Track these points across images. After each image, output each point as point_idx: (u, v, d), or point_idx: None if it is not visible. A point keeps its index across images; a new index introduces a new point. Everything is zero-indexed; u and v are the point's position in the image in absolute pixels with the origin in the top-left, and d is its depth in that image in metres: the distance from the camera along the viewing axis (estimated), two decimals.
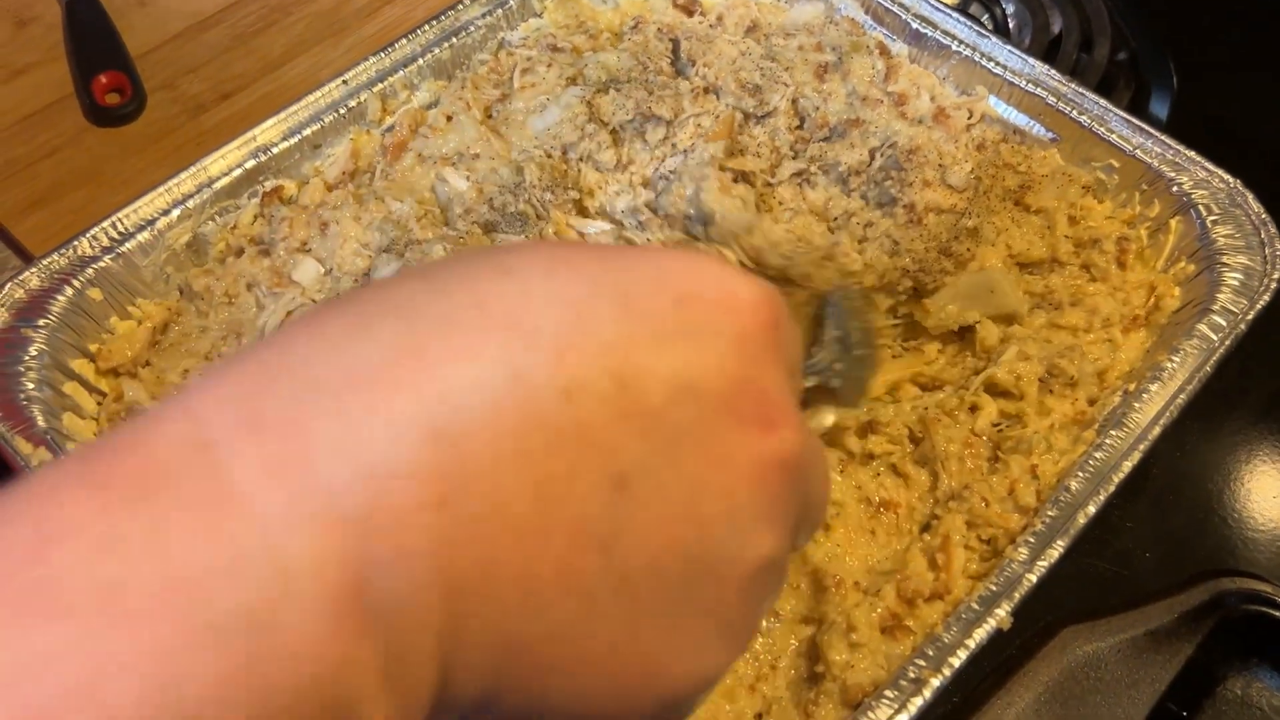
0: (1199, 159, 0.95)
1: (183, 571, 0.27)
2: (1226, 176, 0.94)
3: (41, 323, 0.84)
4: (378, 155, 0.99)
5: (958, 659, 0.68)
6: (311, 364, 0.32)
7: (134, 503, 0.28)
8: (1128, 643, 0.81)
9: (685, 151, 0.97)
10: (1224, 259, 0.90)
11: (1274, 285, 0.87)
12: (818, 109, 1.03)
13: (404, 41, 1.03)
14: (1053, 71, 1.01)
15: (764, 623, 0.75)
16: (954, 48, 1.05)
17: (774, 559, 0.38)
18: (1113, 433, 0.79)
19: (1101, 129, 0.99)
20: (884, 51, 1.08)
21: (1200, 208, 0.93)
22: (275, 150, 0.95)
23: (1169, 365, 0.83)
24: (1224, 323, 0.85)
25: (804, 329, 0.73)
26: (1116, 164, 0.98)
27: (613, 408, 0.33)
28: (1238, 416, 0.98)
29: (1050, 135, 1.02)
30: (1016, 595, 0.70)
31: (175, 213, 0.91)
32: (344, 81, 1.00)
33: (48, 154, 1.14)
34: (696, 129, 1.00)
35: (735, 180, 0.95)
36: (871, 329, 0.76)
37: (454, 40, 1.05)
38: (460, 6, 1.07)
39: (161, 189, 0.91)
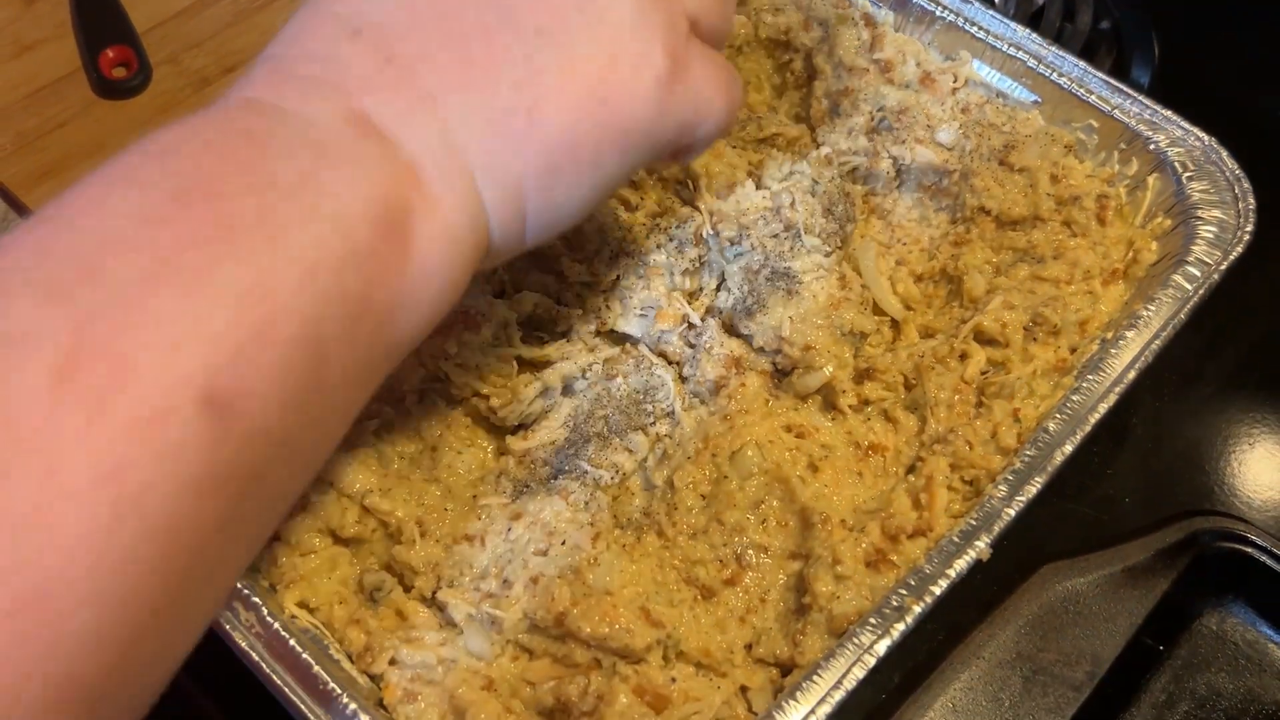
0: (1175, 118, 0.98)
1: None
2: (1201, 134, 0.97)
3: None
4: None
5: (939, 588, 0.71)
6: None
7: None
8: (1105, 579, 0.84)
9: None
10: (1199, 213, 0.93)
11: (1247, 238, 0.90)
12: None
13: None
14: (1033, 35, 1.04)
15: (754, 558, 0.78)
16: (937, 13, 1.08)
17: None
18: (1090, 378, 0.83)
19: (1081, 90, 1.02)
20: (869, 22, 1.11)
21: (1176, 165, 0.96)
22: None
23: (1145, 314, 0.86)
24: (1198, 273, 0.88)
25: None
26: (1096, 124, 1.01)
27: None
28: (1214, 368, 1.02)
29: (1032, 98, 1.05)
30: (995, 529, 0.74)
31: None
32: None
33: (57, 126, 1.17)
34: None
35: None
36: None
37: None
38: None
39: None
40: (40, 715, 0.35)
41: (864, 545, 0.76)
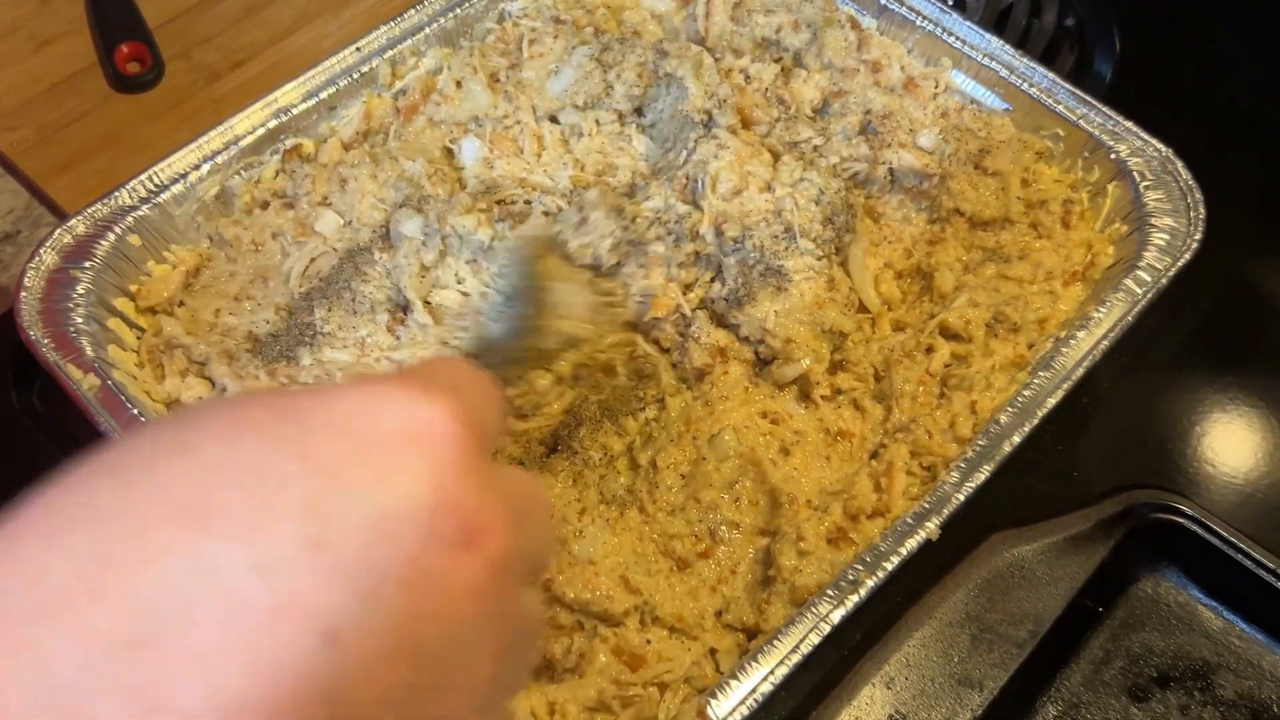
0: (1135, 129, 1.05)
1: None
2: (1160, 145, 1.04)
3: (87, 265, 0.93)
4: (390, 117, 1.09)
5: (890, 564, 0.78)
6: (5, 591, 0.32)
7: None
8: (1049, 546, 0.92)
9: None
10: (1153, 221, 1.00)
11: (1195, 245, 0.97)
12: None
13: (412, 12, 1.12)
14: (1006, 46, 1.11)
15: (727, 533, 0.86)
16: (918, 22, 1.14)
17: (507, 647, 0.40)
18: (1041, 374, 0.90)
19: (1049, 100, 1.08)
20: (855, 25, 1.17)
21: (1135, 174, 1.03)
22: (295, 111, 1.05)
23: (1096, 315, 0.93)
24: (1148, 278, 0.95)
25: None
26: (1062, 132, 1.08)
27: (309, 569, 0.34)
28: (1161, 353, 1.09)
29: (1004, 105, 1.11)
30: (945, 512, 0.81)
31: (205, 168, 1.00)
32: (357, 49, 1.09)
33: (75, 119, 1.23)
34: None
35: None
36: (569, 301, 0.84)
37: (458, 11, 1.14)
38: None
39: (192, 145, 1.01)
40: None
41: (826, 524, 0.83)
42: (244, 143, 1.02)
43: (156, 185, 0.99)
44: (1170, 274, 0.95)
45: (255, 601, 0.32)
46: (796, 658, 0.74)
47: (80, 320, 0.90)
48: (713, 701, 0.73)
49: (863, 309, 1.03)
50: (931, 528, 0.80)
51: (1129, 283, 0.95)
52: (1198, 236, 0.98)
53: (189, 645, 0.31)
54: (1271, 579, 0.90)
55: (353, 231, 1.00)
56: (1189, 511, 0.93)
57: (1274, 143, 1.31)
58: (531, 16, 1.17)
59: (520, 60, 1.13)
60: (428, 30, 1.12)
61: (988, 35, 1.12)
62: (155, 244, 0.99)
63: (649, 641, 0.79)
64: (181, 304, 0.97)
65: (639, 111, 1.11)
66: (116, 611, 0.31)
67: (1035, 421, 0.86)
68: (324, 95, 1.06)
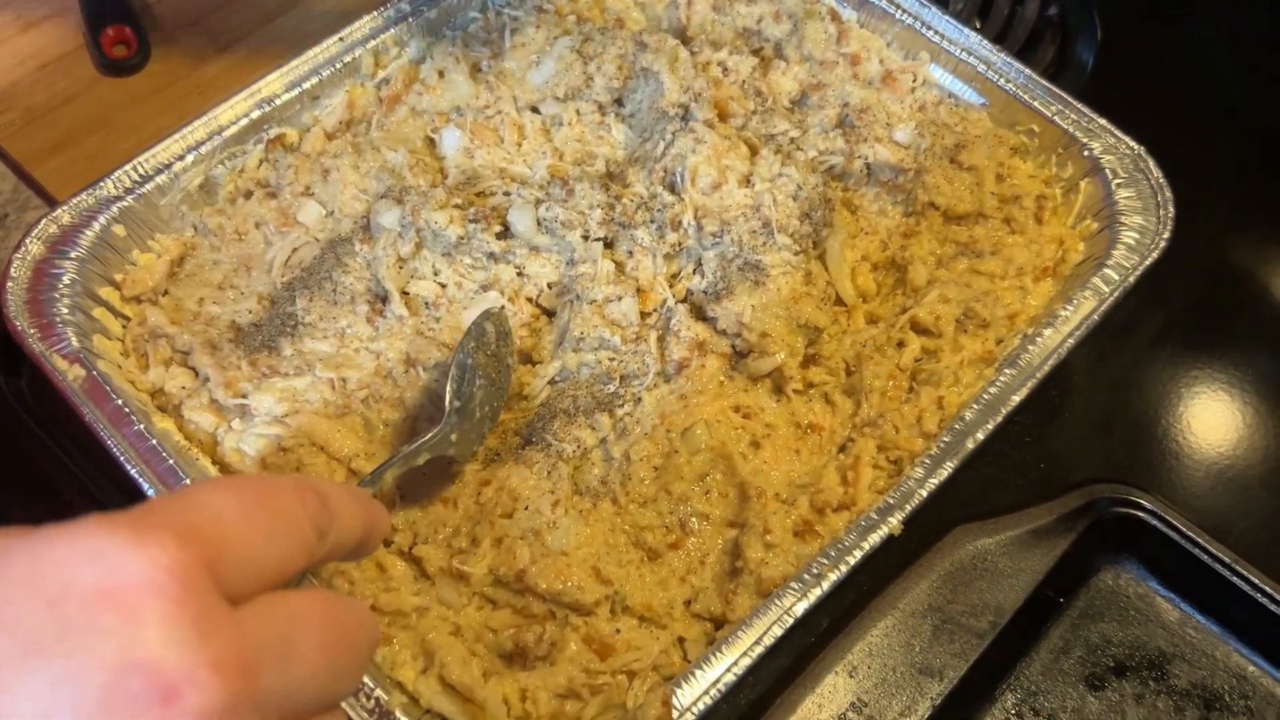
0: (1109, 126, 1.06)
1: None
2: (1132, 144, 1.05)
3: (73, 254, 0.95)
4: (373, 107, 1.10)
5: (854, 558, 0.80)
6: None
7: None
8: (1012, 539, 0.94)
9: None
10: (1123, 219, 1.01)
11: (1163, 244, 0.99)
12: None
13: (397, 1, 1.13)
14: (984, 41, 1.12)
15: (697, 525, 0.88)
16: (897, 15, 1.15)
17: None
18: (1008, 371, 0.92)
19: (1025, 96, 1.09)
20: (835, 17, 1.18)
21: (1108, 171, 1.04)
22: (279, 101, 1.06)
23: (1063, 313, 0.95)
24: (1116, 276, 0.97)
25: None
26: (1037, 128, 1.09)
27: None
28: (1128, 348, 1.11)
29: (980, 100, 1.13)
30: (908, 507, 0.83)
31: (189, 158, 1.02)
32: (340, 39, 1.10)
33: (63, 102, 1.24)
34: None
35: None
36: (499, 379, 0.92)
37: (441, 1, 1.15)
38: None
39: (176, 136, 1.02)
40: None
41: (793, 517, 0.86)
42: (228, 132, 1.04)
43: (141, 175, 1.00)
44: (1138, 272, 0.97)
45: None
46: (760, 649, 0.76)
47: (66, 310, 0.92)
48: (678, 690, 0.75)
49: (838, 302, 1.05)
50: (895, 523, 0.82)
51: (1097, 280, 0.97)
52: (1166, 235, 0.99)
53: None
54: (1227, 573, 0.92)
55: (334, 222, 1.02)
56: (1150, 506, 0.96)
57: (1252, 132, 1.33)
58: (514, 5, 1.17)
59: (502, 50, 1.14)
60: (411, 21, 1.13)
61: (966, 30, 1.13)
62: (140, 233, 1.00)
63: (619, 631, 0.81)
64: (166, 293, 0.99)
65: (619, 102, 1.12)
66: None
67: (1000, 418, 0.88)
68: (307, 85, 1.07)
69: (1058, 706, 0.90)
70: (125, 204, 0.98)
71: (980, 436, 0.87)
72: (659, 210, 1.02)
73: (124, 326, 0.97)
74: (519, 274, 1.00)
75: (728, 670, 0.75)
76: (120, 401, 0.86)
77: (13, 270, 0.92)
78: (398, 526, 0.87)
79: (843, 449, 0.93)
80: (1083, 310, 0.95)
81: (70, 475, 0.97)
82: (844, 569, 0.80)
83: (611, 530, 0.88)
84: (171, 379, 0.92)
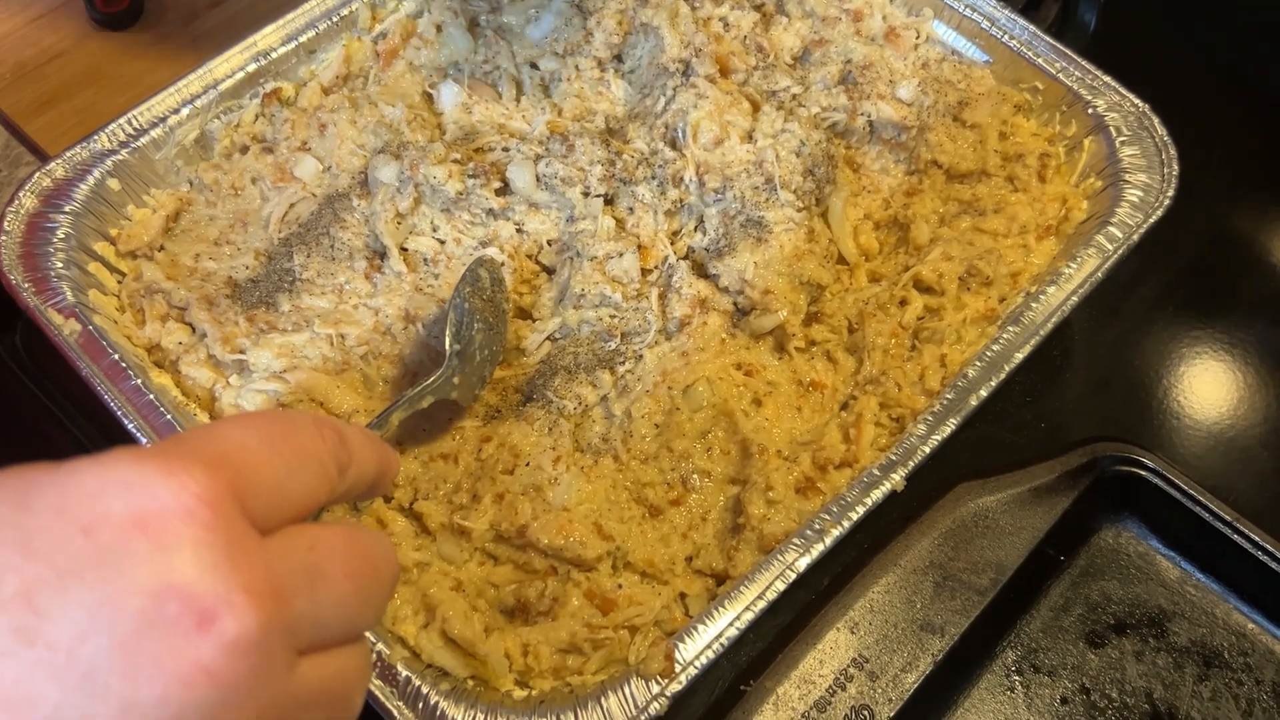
0: (1114, 84, 1.05)
1: None
2: (1136, 101, 1.04)
3: (67, 209, 0.93)
4: (370, 61, 1.09)
5: (856, 514, 0.80)
6: None
7: None
8: (1013, 497, 0.94)
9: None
10: (1127, 177, 1.00)
11: (1167, 202, 0.98)
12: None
13: None
14: None
15: (698, 482, 0.88)
16: None
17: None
18: (1011, 328, 0.91)
19: (1029, 53, 1.08)
20: None
21: (1112, 129, 1.03)
22: (275, 55, 1.04)
23: (1066, 271, 0.94)
24: (1120, 234, 0.96)
25: None
26: (1041, 86, 1.08)
27: (18, 662, 0.34)
28: (1131, 307, 1.11)
29: (984, 58, 1.11)
30: (911, 464, 0.83)
31: (184, 111, 1.00)
32: None
33: (54, 57, 1.22)
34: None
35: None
36: (497, 324, 0.91)
37: None
38: None
39: (171, 89, 1.00)
40: None
41: (795, 474, 0.85)
42: (223, 86, 1.02)
43: (136, 129, 0.99)
44: (1142, 230, 0.96)
45: None
46: (762, 604, 0.76)
47: (60, 265, 0.91)
48: (680, 645, 0.75)
49: (841, 260, 1.04)
50: (897, 479, 0.82)
51: (1101, 238, 0.96)
52: (1170, 193, 0.99)
53: None
54: (1228, 531, 0.92)
55: (331, 177, 1.00)
56: (1151, 464, 0.96)
57: (1256, 90, 1.32)
58: None
59: (501, 5, 1.12)
60: None
61: None
62: (135, 188, 0.99)
63: (620, 586, 0.81)
64: (162, 248, 0.98)
65: (619, 58, 1.11)
66: None
67: (1002, 376, 0.88)
68: (303, 39, 1.06)
69: (1058, 663, 0.90)
70: (120, 158, 0.97)
71: (983, 394, 0.87)
72: (660, 166, 1.01)
73: (119, 282, 0.96)
74: (518, 230, 0.99)
75: (730, 625, 0.75)
76: (117, 356, 0.85)
77: (6, 224, 0.91)
78: (398, 483, 0.87)
79: (845, 406, 0.93)
80: (1086, 268, 0.94)
81: (65, 431, 0.96)
82: (846, 525, 0.80)
83: (613, 487, 0.87)
84: (168, 334, 0.91)
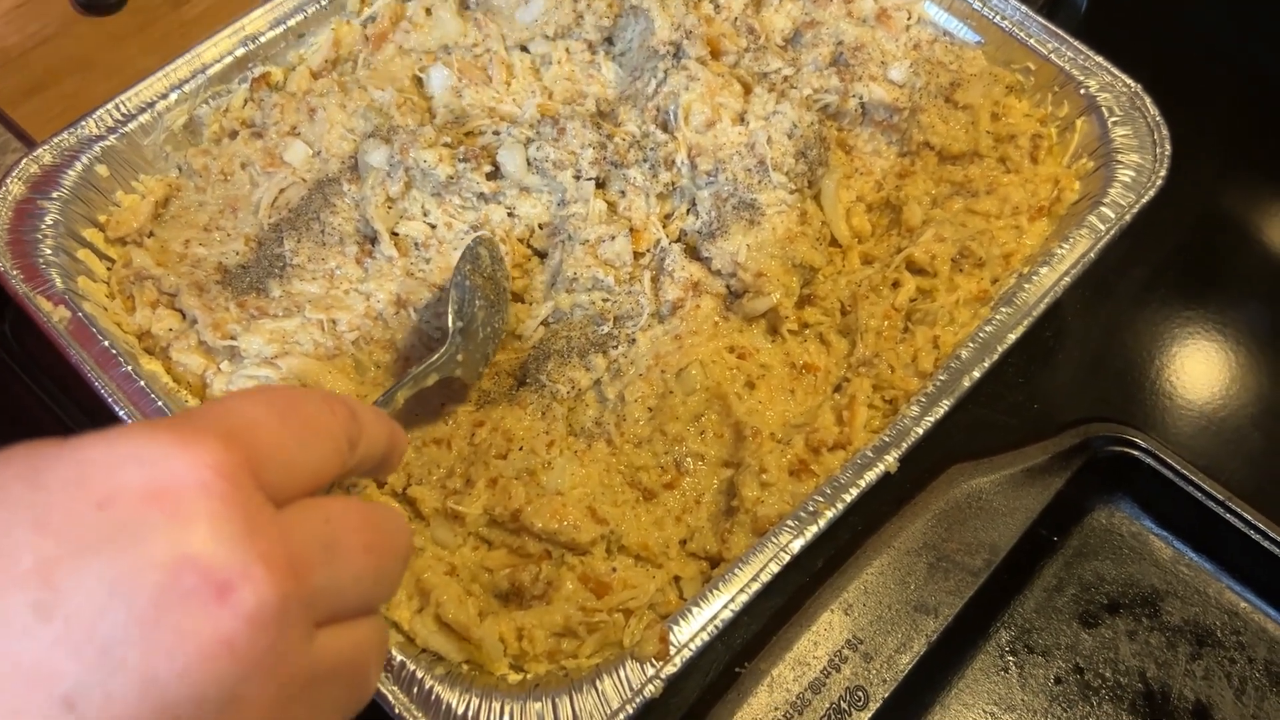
0: (1105, 64, 1.05)
1: None
2: (1129, 81, 1.04)
3: (55, 195, 0.93)
4: (359, 45, 1.08)
5: (849, 496, 0.80)
6: None
7: None
8: (1007, 478, 0.94)
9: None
10: (1120, 157, 1.00)
11: (1160, 182, 0.98)
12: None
13: None
14: None
15: (692, 465, 0.88)
16: None
17: (290, 696, 0.39)
18: (1003, 309, 0.91)
19: (1021, 33, 1.08)
20: None
21: (1104, 110, 1.03)
22: (263, 39, 1.03)
23: (1059, 251, 0.94)
24: (1112, 214, 0.96)
25: None
26: (1033, 66, 1.08)
27: (36, 637, 0.34)
28: (1126, 286, 1.11)
29: (976, 38, 1.11)
30: (904, 445, 0.83)
31: (173, 96, 0.99)
32: None
33: (40, 42, 1.20)
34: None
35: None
36: (498, 301, 0.91)
37: None
38: None
39: (159, 74, 0.99)
40: None
41: (788, 456, 0.85)
42: (211, 71, 1.01)
43: (124, 114, 0.98)
44: (1134, 210, 0.96)
45: None
46: (756, 586, 0.76)
47: (49, 251, 0.90)
48: (675, 627, 0.75)
49: (834, 242, 1.04)
50: (890, 461, 0.82)
51: (1093, 219, 0.96)
52: (1163, 174, 0.98)
53: None
54: (1220, 510, 0.92)
55: (321, 162, 1.00)
56: (1144, 445, 0.96)
57: (1249, 71, 1.31)
58: None
59: None
60: None
61: None
62: (123, 174, 0.98)
63: (615, 569, 0.81)
64: (151, 235, 0.97)
65: (609, 40, 1.10)
66: None
67: (995, 357, 0.88)
68: (292, 22, 1.05)
69: (1051, 643, 0.91)
70: (108, 143, 0.96)
71: (976, 375, 0.87)
72: (652, 149, 1.01)
73: (109, 268, 0.95)
74: (510, 214, 0.99)
75: (724, 607, 0.75)
76: (107, 343, 0.85)
77: None
78: None
79: (838, 389, 0.93)
80: (1078, 249, 0.94)
81: (55, 419, 0.96)
82: (840, 507, 0.80)
83: (607, 470, 0.87)
84: (159, 321, 0.91)
